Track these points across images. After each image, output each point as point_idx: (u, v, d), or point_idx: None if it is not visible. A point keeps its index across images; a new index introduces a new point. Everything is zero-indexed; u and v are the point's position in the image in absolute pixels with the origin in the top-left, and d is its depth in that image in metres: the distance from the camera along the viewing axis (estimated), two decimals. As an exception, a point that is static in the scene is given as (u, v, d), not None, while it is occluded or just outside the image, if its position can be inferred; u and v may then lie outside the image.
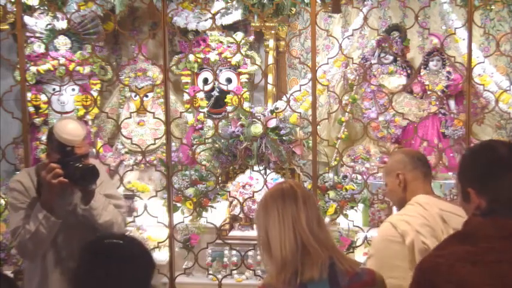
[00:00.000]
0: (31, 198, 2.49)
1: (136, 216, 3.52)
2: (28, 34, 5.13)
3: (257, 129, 4.49)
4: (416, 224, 2.23)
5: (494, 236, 1.56)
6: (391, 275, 2.07)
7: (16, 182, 2.54)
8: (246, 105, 4.96)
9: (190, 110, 5.11)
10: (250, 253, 3.92)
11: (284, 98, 4.19)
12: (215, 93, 5.31)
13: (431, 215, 2.26)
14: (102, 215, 2.50)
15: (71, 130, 2.46)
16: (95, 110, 5.15)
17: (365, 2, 4.86)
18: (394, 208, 3.76)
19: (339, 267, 1.78)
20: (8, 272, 3.92)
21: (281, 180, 4.34)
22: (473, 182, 1.65)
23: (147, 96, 5.26)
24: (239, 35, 5.11)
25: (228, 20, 5.11)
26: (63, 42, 5.21)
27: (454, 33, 4.26)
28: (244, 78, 5.26)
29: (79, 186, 2.47)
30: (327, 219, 4.11)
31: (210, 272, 3.91)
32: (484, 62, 4.38)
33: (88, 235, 2.47)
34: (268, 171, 4.18)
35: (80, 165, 2.42)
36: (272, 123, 4.53)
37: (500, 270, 1.52)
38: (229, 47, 5.22)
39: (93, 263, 1.66)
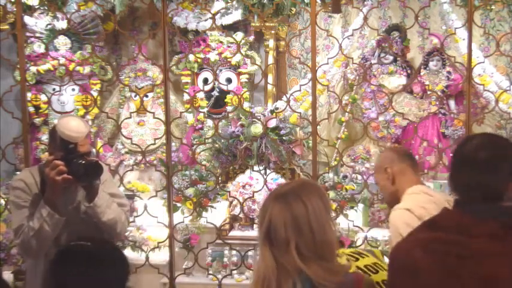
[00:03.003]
0: (33, 195, 2.49)
1: (137, 216, 3.51)
2: (28, 34, 5.14)
3: (257, 129, 4.49)
4: (431, 209, 2.21)
5: (451, 227, 1.56)
6: None
7: (19, 180, 2.54)
8: (246, 105, 4.96)
9: (190, 110, 5.11)
10: (250, 253, 3.92)
11: (284, 98, 4.18)
12: (215, 93, 5.31)
13: (439, 201, 2.27)
14: (105, 213, 2.50)
15: (73, 127, 2.46)
16: (95, 110, 5.15)
17: (365, 2, 4.86)
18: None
19: (317, 282, 1.57)
20: (8, 272, 3.93)
21: (281, 180, 4.34)
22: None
23: (147, 96, 5.27)
24: (239, 35, 5.11)
25: (228, 20, 5.11)
26: (63, 42, 5.21)
27: (454, 33, 4.26)
28: (244, 78, 5.26)
29: (83, 183, 2.47)
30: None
31: (210, 272, 3.91)
32: (484, 62, 4.37)
33: (91, 234, 2.48)
34: (268, 171, 4.18)
35: (84, 162, 2.42)
36: (272, 123, 4.53)
37: (448, 261, 1.51)
38: (229, 47, 5.21)
39: (64, 269, 1.64)
